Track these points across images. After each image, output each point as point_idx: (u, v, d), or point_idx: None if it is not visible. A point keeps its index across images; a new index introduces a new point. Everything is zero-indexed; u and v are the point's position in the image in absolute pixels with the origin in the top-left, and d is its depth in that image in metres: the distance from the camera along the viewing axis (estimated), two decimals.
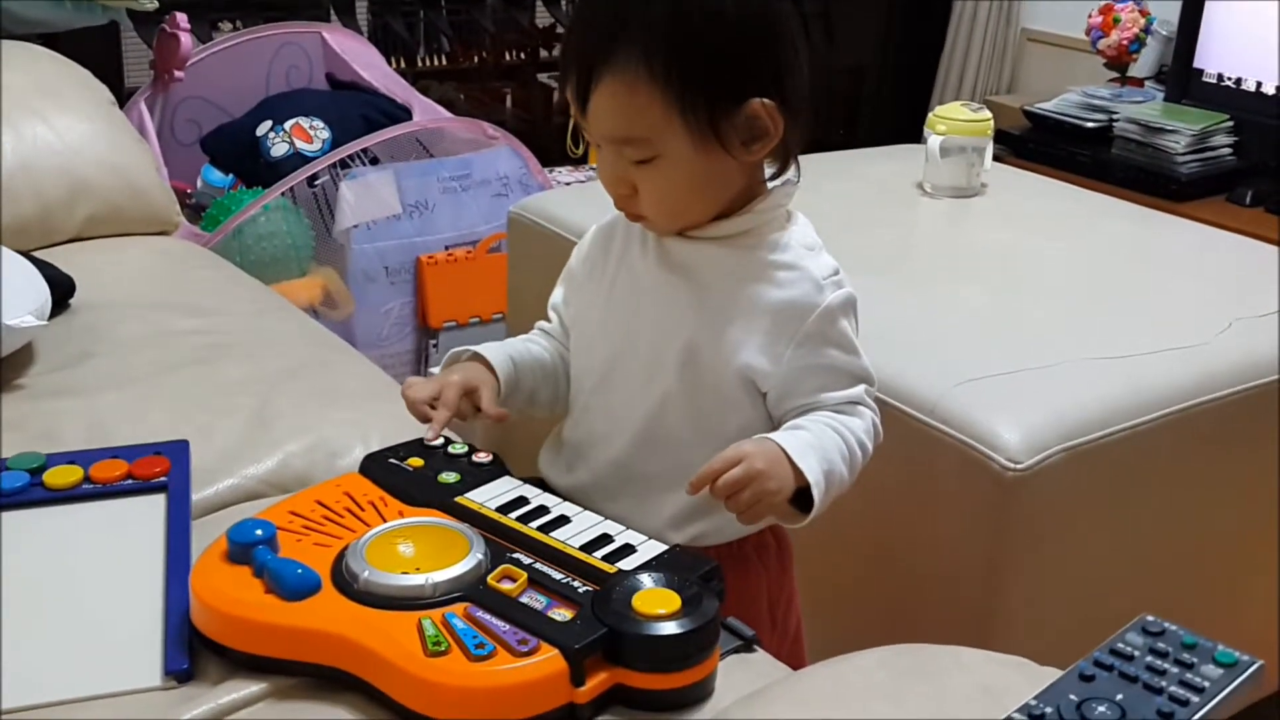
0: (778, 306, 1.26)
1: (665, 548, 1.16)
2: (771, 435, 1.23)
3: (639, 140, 1.21)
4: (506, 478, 1.27)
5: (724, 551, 1.34)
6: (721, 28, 1.19)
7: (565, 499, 1.27)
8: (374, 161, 2.87)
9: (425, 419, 1.31)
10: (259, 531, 1.13)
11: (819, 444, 1.23)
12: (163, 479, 1.37)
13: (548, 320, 1.46)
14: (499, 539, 1.16)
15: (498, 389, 1.34)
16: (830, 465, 1.22)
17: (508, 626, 1.03)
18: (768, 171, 1.29)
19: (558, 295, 1.44)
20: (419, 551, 1.12)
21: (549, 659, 1.01)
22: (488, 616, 1.05)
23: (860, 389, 1.28)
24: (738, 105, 1.20)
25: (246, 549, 1.12)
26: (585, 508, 1.25)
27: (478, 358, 1.35)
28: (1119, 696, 0.89)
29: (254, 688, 1.08)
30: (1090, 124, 3.53)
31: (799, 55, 1.23)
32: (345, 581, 1.09)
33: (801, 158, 1.30)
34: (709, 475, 1.18)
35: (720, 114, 1.20)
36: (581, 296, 1.39)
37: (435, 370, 2.75)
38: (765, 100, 1.21)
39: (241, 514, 1.25)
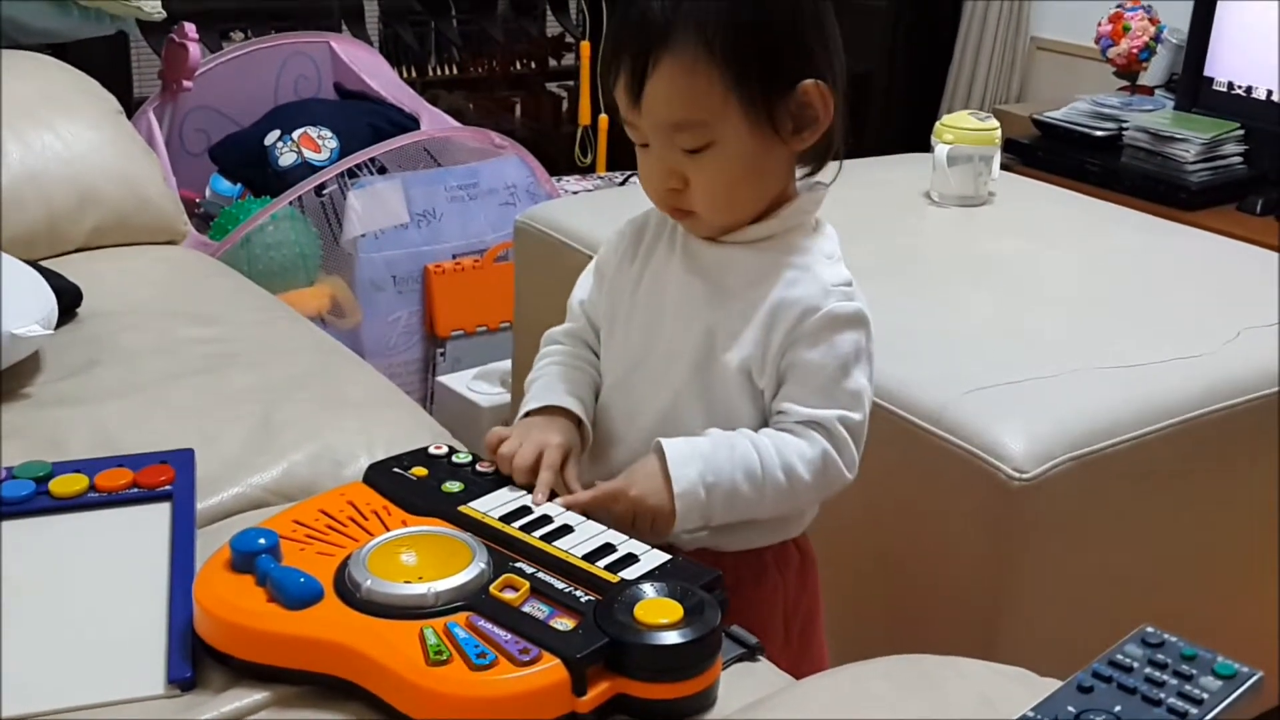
0: (779, 304, 1.25)
1: (668, 557, 1.16)
2: (664, 439, 1.24)
3: (696, 124, 1.21)
4: (509, 487, 1.27)
5: (742, 559, 1.33)
6: (776, 6, 1.21)
7: None
8: (382, 171, 2.88)
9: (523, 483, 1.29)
10: (262, 540, 1.13)
11: (711, 454, 1.23)
12: (168, 488, 1.37)
13: (567, 316, 1.44)
14: (501, 548, 1.16)
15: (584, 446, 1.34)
16: (717, 477, 1.22)
17: (509, 636, 1.03)
18: (798, 173, 1.29)
19: (584, 291, 1.43)
20: (421, 560, 1.13)
21: (551, 668, 1.01)
22: (490, 626, 1.05)
23: (831, 414, 1.24)
24: (792, 87, 1.21)
25: (249, 558, 1.12)
26: None
27: (559, 410, 1.34)
28: (1117, 708, 0.88)
29: (256, 696, 1.08)
30: (1100, 132, 3.53)
31: (839, 42, 1.25)
32: (348, 590, 1.09)
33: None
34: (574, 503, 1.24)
35: (776, 95, 1.21)
36: (611, 293, 1.38)
37: (441, 379, 2.77)
38: (819, 82, 1.22)
39: (246, 522, 1.25)
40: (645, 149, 1.26)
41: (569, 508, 1.23)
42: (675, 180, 1.24)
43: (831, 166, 1.30)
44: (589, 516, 1.23)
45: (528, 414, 1.34)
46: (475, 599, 1.08)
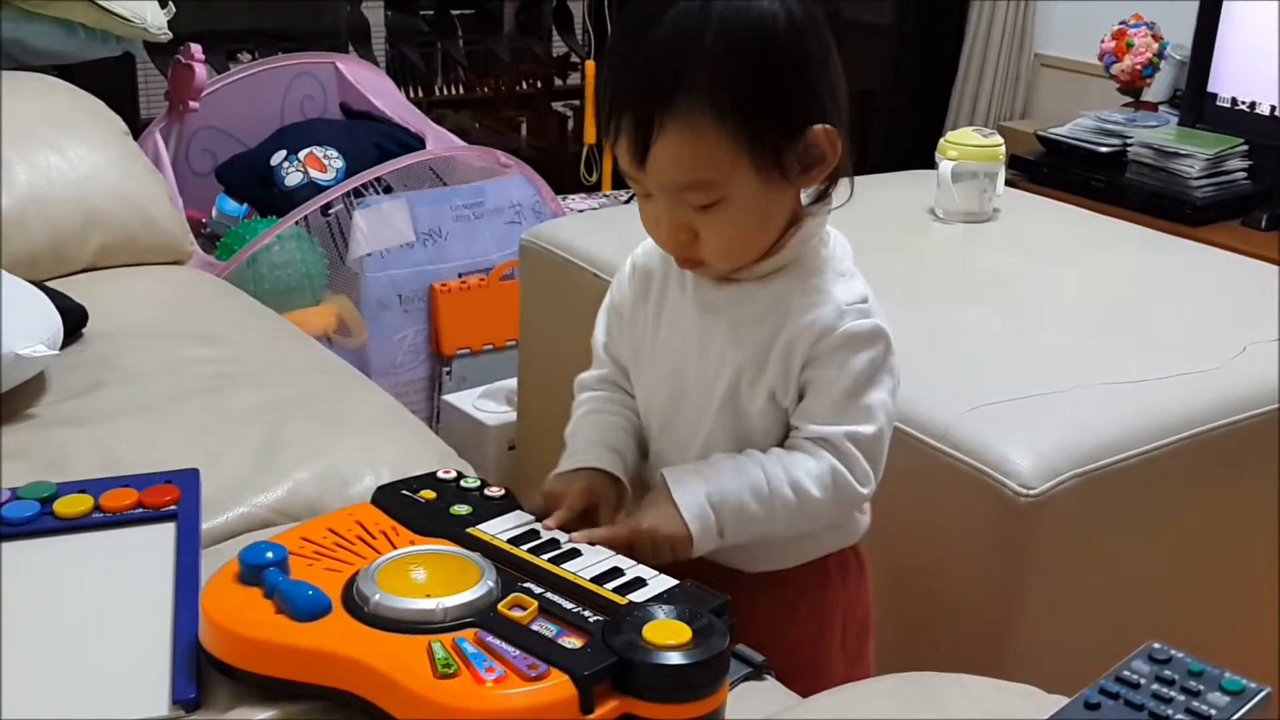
0: (797, 330, 1.24)
1: (675, 582, 1.15)
2: (667, 468, 1.26)
3: (706, 184, 1.18)
4: (518, 511, 1.27)
5: (806, 569, 1.35)
6: (777, 56, 1.17)
7: None
8: (387, 190, 2.88)
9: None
10: (270, 554, 1.13)
11: (714, 474, 1.25)
12: (173, 508, 1.37)
13: (593, 361, 1.44)
14: (510, 569, 1.15)
15: (619, 500, 1.33)
16: (723, 495, 1.23)
17: (518, 652, 1.03)
18: (805, 197, 1.27)
19: (602, 334, 1.42)
20: (430, 578, 1.12)
21: (559, 684, 1.00)
22: (498, 642, 1.04)
23: (838, 430, 1.25)
24: (800, 134, 1.19)
25: (258, 570, 1.11)
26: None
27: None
28: None
29: (262, 715, 1.08)
30: (1104, 149, 3.53)
31: (841, 75, 1.23)
32: (356, 604, 1.09)
33: None
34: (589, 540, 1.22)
35: (785, 145, 1.19)
36: (631, 337, 1.38)
37: (447, 398, 2.78)
38: (827, 126, 1.20)
39: (251, 542, 1.25)
40: (649, 199, 1.24)
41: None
42: (684, 234, 1.22)
43: (843, 188, 1.28)
44: None
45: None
46: (483, 616, 1.08)
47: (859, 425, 1.25)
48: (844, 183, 1.28)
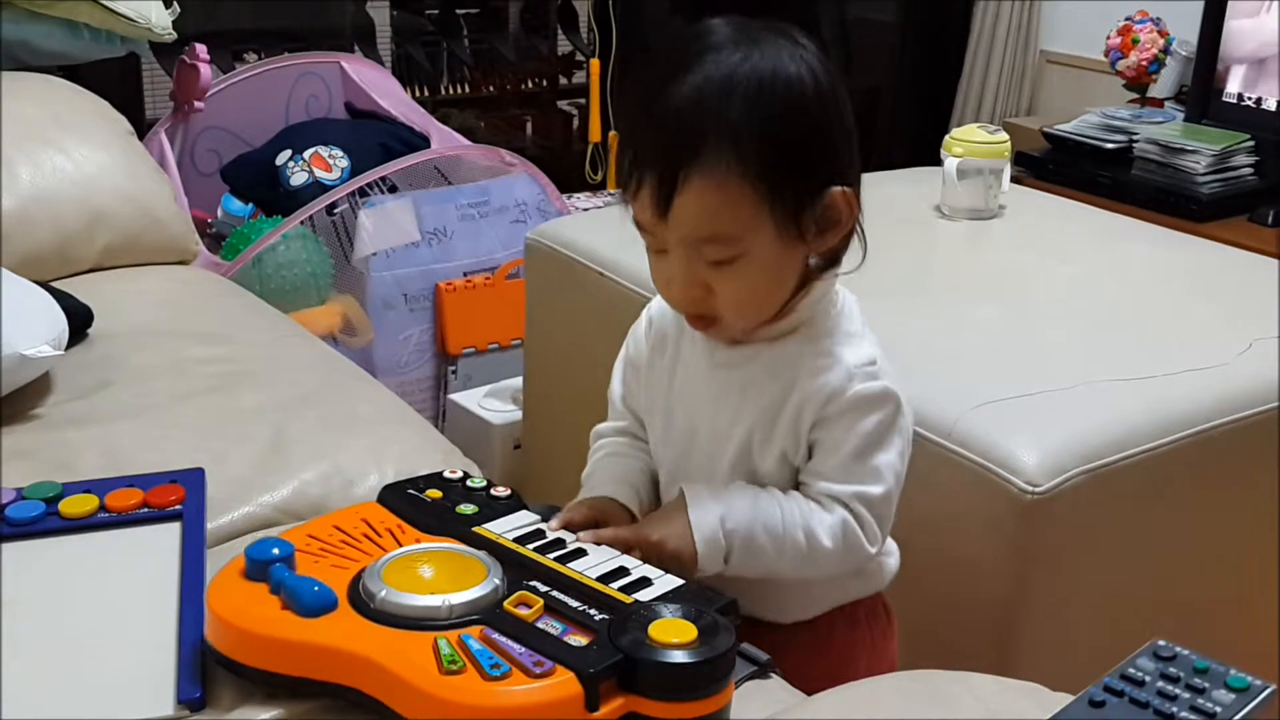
0: (807, 394, 1.25)
1: (681, 581, 1.16)
2: (687, 484, 1.27)
3: (726, 238, 1.18)
4: (524, 511, 1.27)
5: (837, 612, 1.37)
6: (805, 122, 1.18)
7: None
8: (393, 189, 2.88)
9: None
10: (277, 550, 1.13)
11: (733, 501, 1.25)
12: (178, 507, 1.37)
13: (609, 412, 1.45)
14: (516, 568, 1.15)
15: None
16: (736, 523, 1.24)
17: (523, 649, 1.03)
18: (815, 259, 1.27)
19: (619, 387, 1.43)
20: (436, 575, 1.12)
21: (564, 681, 1.00)
22: (503, 639, 1.04)
23: (847, 489, 1.25)
24: (820, 192, 1.20)
25: (264, 566, 1.12)
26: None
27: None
28: None
29: (266, 715, 1.08)
30: (1110, 145, 3.52)
31: (855, 134, 1.23)
32: (361, 601, 1.09)
33: None
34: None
35: (805, 206, 1.19)
36: (647, 390, 1.39)
37: (453, 397, 2.78)
38: (845, 189, 1.20)
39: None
40: (662, 254, 1.24)
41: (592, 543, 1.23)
42: (698, 289, 1.22)
43: (854, 252, 1.29)
44: None
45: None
46: (489, 613, 1.08)
47: (867, 486, 1.26)
48: (855, 247, 1.28)
